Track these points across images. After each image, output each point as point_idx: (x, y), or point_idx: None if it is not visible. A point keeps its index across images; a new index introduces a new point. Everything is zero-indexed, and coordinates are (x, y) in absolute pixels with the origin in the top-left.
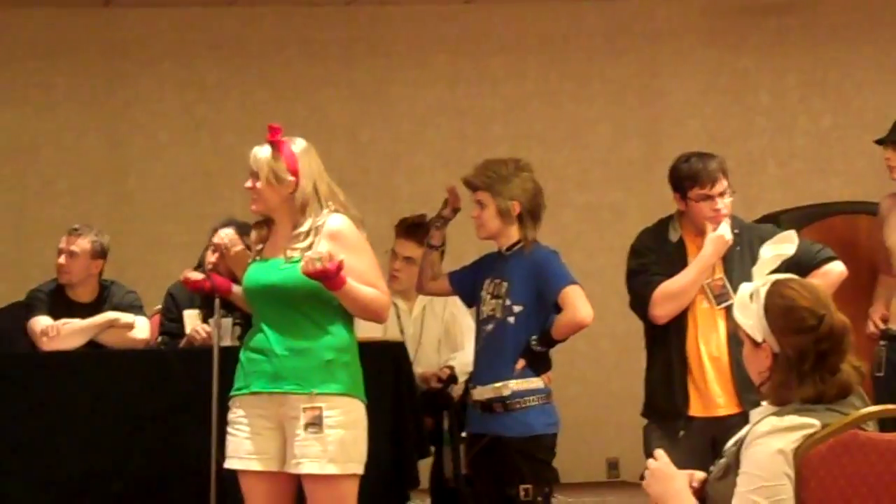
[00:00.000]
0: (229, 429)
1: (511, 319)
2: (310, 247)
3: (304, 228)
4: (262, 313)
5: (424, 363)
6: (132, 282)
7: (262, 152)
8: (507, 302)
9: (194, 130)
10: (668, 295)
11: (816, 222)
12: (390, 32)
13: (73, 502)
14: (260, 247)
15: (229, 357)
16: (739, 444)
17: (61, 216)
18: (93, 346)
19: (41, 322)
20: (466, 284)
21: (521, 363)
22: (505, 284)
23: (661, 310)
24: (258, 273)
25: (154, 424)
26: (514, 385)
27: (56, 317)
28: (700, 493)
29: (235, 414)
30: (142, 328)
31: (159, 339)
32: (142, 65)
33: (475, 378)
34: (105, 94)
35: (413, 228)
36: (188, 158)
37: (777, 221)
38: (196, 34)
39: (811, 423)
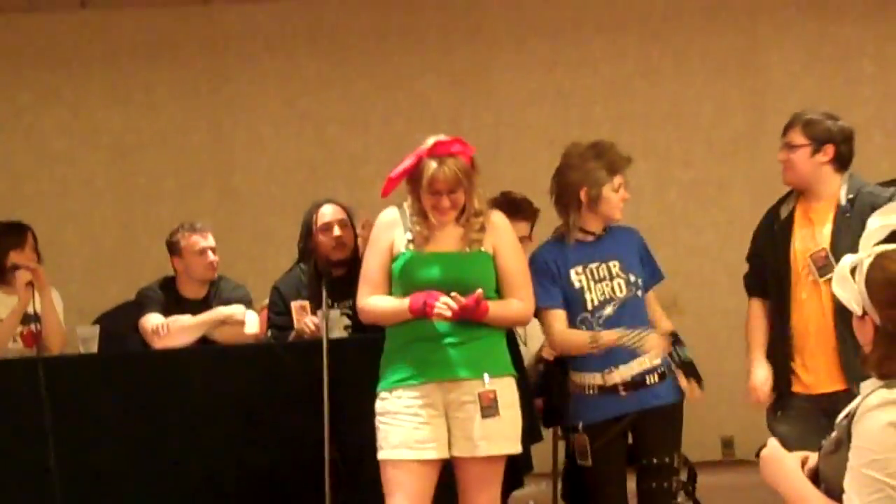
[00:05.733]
0: (387, 419)
1: (640, 292)
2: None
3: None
4: None
5: (536, 340)
6: (240, 276)
7: None
8: (631, 277)
9: (297, 123)
10: None
11: None
12: (489, 18)
13: (187, 497)
14: (412, 239)
15: (338, 348)
16: (850, 417)
17: (169, 214)
18: (204, 343)
19: (152, 320)
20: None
21: None
22: (613, 264)
23: None
24: (427, 266)
25: (267, 418)
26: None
27: (167, 314)
28: (815, 472)
29: (397, 404)
30: (252, 323)
31: (268, 333)
32: (242, 60)
33: (604, 362)
34: (207, 92)
35: (515, 205)
36: (292, 151)
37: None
38: (294, 27)
39: None
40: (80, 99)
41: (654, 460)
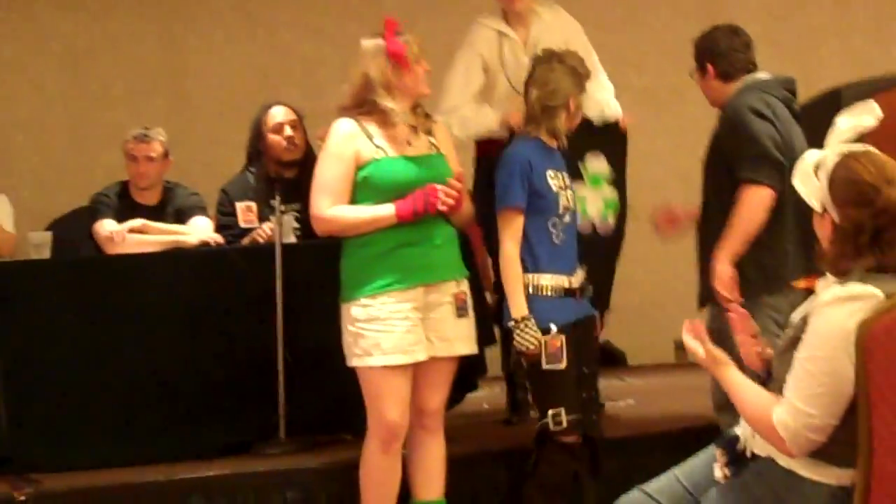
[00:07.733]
0: (376, 325)
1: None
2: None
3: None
4: None
5: None
6: (193, 182)
7: None
8: (572, 192)
9: (249, 28)
10: None
11: (881, 93)
12: None
13: (141, 403)
14: (380, 145)
15: (291, 253)
16: (806, 315)
17: (120, 120)
18: None
19: (107, 226)
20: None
21: None
22: (566, 175)
23: None
24: (406, 168)
25: (221, 323)
26: None
27: (121, 220)
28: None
29: (385, 310)
30: (204, 228)
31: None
32: None
33: (568, 265)
34: None
35: None
36: (244, 57)
37: (839, 96)
38: None
39: (873, 292)
40: (29, 4)
41: (593, 369)
